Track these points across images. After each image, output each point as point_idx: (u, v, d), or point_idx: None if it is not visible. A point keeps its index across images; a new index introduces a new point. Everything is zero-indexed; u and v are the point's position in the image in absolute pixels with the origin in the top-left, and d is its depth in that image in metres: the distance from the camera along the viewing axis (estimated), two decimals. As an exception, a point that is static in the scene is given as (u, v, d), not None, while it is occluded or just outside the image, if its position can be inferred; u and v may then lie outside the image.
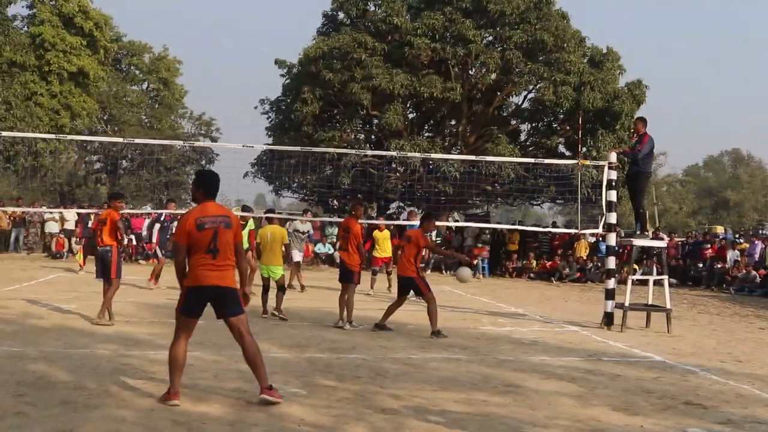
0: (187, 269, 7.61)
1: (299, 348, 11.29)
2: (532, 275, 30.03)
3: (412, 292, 13.58)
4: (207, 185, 7.94)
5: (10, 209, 30.97)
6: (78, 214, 30.99)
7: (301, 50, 36.68)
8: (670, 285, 16.53)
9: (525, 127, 38.15)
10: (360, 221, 14.51)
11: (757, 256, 27.81)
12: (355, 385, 8.80)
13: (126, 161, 51.52)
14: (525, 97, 36.94)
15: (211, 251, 7.59)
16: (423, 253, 13.97)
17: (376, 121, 35.86)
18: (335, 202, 37.09)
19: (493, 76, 34.73)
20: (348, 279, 13.92)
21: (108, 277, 13.15)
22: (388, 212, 38.61)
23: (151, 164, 47.80)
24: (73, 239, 30.84)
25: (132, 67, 56.75)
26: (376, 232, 22.51)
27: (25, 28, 45.87)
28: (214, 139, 55.76)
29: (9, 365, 9.19)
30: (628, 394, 8.89)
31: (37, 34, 44.48)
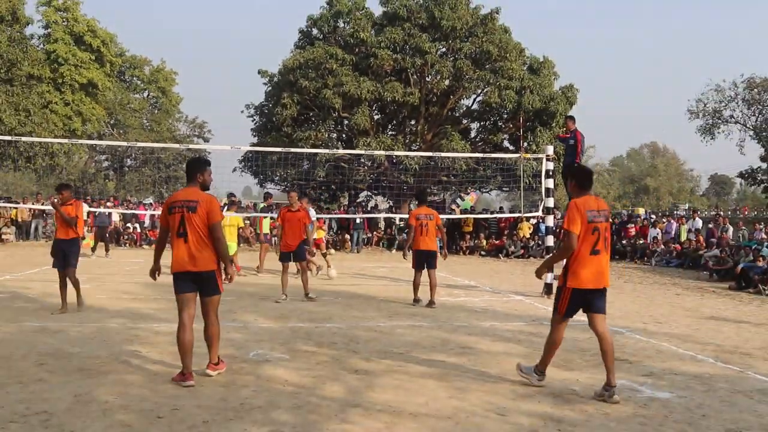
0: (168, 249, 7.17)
1: (283, 319, 11.23)
2: (482, 253, 30.06)
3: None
4: (186, 170, 7.42)
5: (28, 205, 30.35)
6: (89, 206, 30.68)
7: (280, 61, 36.89)
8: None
9: (474, 125, 38.31)
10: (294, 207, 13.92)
11: (672, 233, 28.12)
12: (332, 350, 8.77)
13: (130, 160, 51.17)
14: (474, 99, 37.08)
15: (181, 235, 7.01)
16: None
17: (346, 121, 35.87)
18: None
19: (447, 82, 34.85)
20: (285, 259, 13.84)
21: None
22: (358, 200, 38.72)
23: (152, 162, 47.50)
24: (86, 228, 30.25)
25: (134, 78, 56.16)
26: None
27: (42, 46, 45.38)
28: (206, 140, 55.71)
29: (31, 338, 9.10)
30: (566, 352, 8.90)
31: (52, 51, 44.16)
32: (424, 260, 13.37)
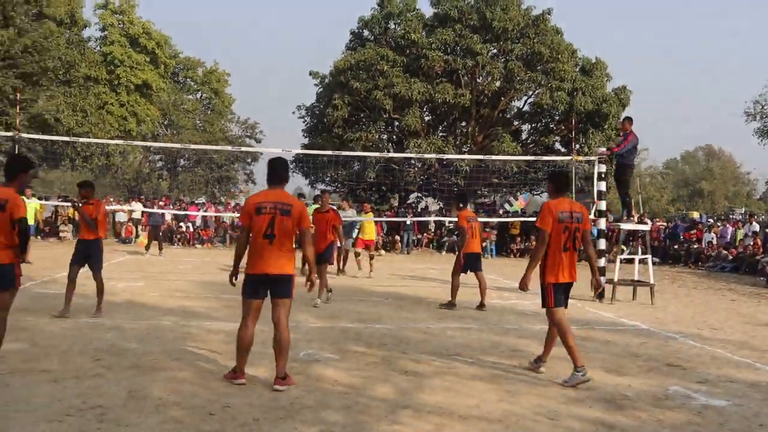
0: (247, 251, 7.03)
1: (333, 319, 11.24)
2: (533, 255, 29.73)
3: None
4: (268, 172, 7.12)
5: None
6: (143, 206, 31.21)
7: (331, 63, 36.98)
8: (653, 263, 16.39)
9: (526, 127, 38.08)
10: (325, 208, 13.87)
11: (728, 237, 27.61)
12: (382, 351, 8.79)
13: (183, 160, 51.88)
14: (525, 101, 36.81)
15: (268, 236, 6.86)
16: None
17: (397, 123, 35.77)
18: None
19: (498, 83, 34.72)
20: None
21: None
22: (408, 202, 38.80)
23: (205, 162, 47.93)
24: (140, 227, 31.01)
25: (188, 79, 56.65)
26: (361, 215, 21.63)
27: (98, 48, 46.26)
28: (258, 140, 55.96)
29: (88, 334, 9.24)
30: (618, 357, 8.82)
31: (108, 53, 44.95)
32: (472, 263, 13.20)
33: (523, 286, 7.70)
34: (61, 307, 10.75)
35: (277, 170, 7.11)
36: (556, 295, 7.70)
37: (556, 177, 8.09)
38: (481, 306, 12.98)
